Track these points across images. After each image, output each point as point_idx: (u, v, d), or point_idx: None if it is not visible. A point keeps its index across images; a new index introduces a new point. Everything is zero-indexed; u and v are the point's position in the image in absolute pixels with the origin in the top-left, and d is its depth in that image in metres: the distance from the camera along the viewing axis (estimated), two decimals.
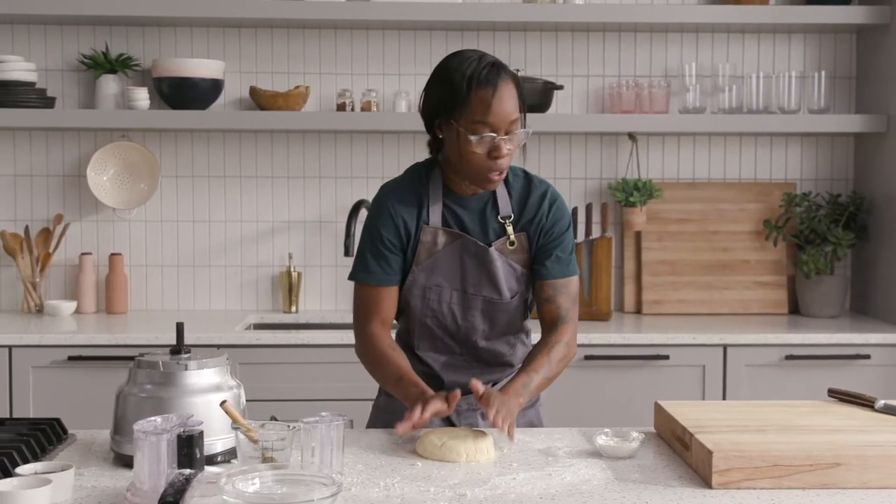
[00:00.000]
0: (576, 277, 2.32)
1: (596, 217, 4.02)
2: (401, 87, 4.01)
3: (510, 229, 2.27)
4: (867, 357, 3.54)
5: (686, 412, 2.13)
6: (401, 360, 2.24)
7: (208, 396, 1.95)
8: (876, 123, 3.84)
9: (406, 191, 2.29)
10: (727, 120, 3.88)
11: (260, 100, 3.86)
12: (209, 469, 1.82)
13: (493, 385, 2.29)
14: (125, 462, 1.93)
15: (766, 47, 4.09)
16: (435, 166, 2.31)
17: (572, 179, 4.07)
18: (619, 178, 4.04)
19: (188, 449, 1.74)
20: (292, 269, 3.97)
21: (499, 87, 2.14)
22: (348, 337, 3.51)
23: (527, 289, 2.33)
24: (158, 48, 3.97)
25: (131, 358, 2.05)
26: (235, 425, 1.83)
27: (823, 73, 3.97)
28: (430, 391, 2.15)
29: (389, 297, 2.29)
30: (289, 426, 1.84)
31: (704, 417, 2.09)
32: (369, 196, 4.01)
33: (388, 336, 2.31)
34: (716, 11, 3.84)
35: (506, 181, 2.29)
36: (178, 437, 1.74)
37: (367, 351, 2.29)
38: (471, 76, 2.14)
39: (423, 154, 3.97)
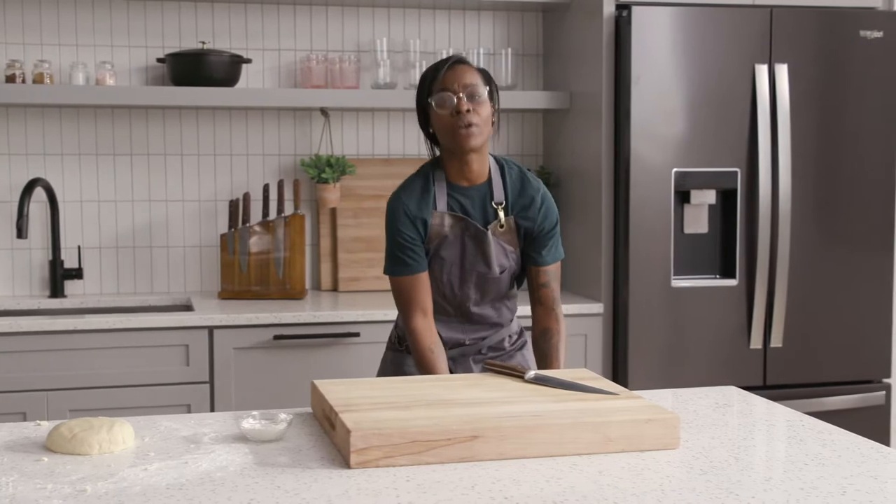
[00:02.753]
0: (560, 261, 2.72)
1: (289, 194, 3.94)
2: (78, 58, 3.78)
3: (501, 214, 2.60)
4: None
5: (337, 391, 2.09)
6: (438, 361, 2.56)
7: None
8: (560, 100, 3.95)
9: (415, 187, 2.60)
10: None
11: None
12: None
13: (484, 340, 2.71)
14: None
15: (456, 24, 4.12)
16: (438, 165, 2.63)
17: (265, 156, 3.97)
18: (313, 155, 3.97)
19: None
20: None
21: (455, 65, 2.55)
22: (26, 324, 3.28)
23: (516, 265, 2.67)
24: None
25: None
26: None
27: (510, 50, 4.05)
28: None
29: (423, 283, 2.59)
30: None
31: (354, 396, 2.05)
32: (45, 174, 3.77)
33: (430, 332, 2.59)
34: None
35: (502, 174, 2.64)
36: None
37: (413, 348, 2.60)
38: (435, 66, 2.56)
39: (105, 129, 3.82)
